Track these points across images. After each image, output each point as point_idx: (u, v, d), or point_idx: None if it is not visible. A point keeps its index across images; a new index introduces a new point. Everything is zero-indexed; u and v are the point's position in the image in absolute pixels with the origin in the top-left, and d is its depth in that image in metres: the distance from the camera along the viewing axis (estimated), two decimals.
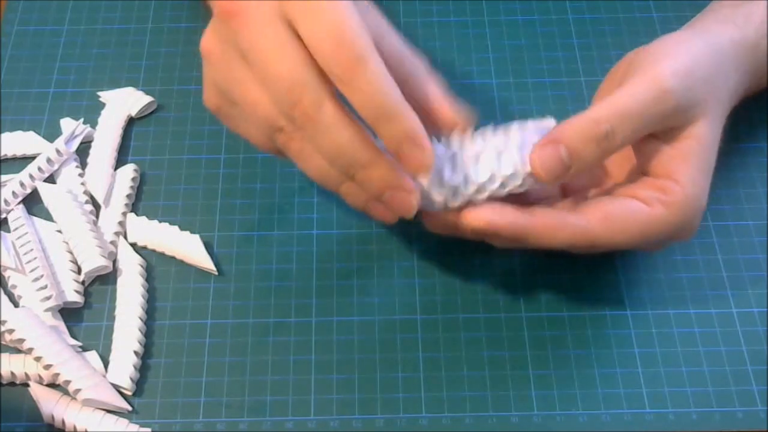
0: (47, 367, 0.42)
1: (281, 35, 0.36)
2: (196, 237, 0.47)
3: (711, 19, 0.45)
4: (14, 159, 0.50)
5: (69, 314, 0.45)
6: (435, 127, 0.40)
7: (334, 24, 0.34)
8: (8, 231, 0.47)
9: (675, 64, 0.40)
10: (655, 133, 0.41)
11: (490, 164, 0.40)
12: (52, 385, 0.43)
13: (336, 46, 0.34)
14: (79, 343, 0.44)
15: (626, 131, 0.39)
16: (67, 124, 0.51)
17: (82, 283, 0.46)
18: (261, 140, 0.40)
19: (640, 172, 0.42)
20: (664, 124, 0.40)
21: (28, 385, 0.43)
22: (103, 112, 0.52)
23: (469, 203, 0.40)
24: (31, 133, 0.51)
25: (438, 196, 0.40)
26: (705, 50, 0.42)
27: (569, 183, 0.44)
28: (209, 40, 0.39)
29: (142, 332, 0.44)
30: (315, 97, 0.36)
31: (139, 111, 0.52)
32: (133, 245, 0.47)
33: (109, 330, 0.45)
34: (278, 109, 0.37)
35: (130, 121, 0.52)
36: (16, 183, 0.48)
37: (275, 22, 0.36)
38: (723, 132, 0.42)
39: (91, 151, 0.50)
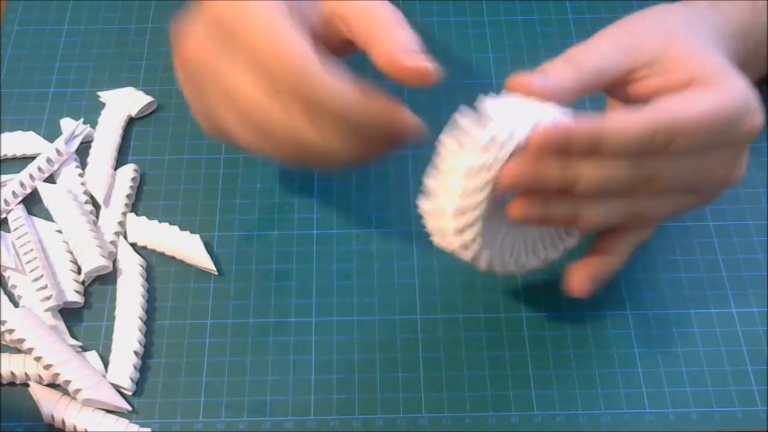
0: (47, 367, 0.42)
1: (236, 74, 0.39)
2: (196, 237, 0.47)
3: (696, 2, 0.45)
4: (14, 159, 0.50)
5: (69, 314, 0.45)
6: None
7: (270, 53, 0.38)
8: (8, 231, 0.47)
9: (630, 16, 0.42)
10: (641, 76, 0.40)
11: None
12: (52, 385, 0.43)
13: (286, 83, 0.38)
14: (79, 343, 0.44)
15: (591, 53, 0.40)
16: (67, 124, 0.51)
17: (82, 283, 0.46)
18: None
19: None
20: (633, 56, 0.40)
21: (28, 385, 0.43)
22: (103, 112, 0.52)
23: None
24: (31, 133, 0.51)
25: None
26: (651, 12, 0.42)
27: None
28: (180, 74, 0.43)
29: (142, 332, 0.44)
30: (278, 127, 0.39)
31: (139, 111, 0.52)
32: (133, 245, 0.47)
33: (109, 330, 0.45)
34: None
35: (130, 121, 0.52)
36: (16, 183, 0.48)
37: (230, 65, 0.39)
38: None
39: (91, 151, 0.50)
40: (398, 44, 0.39)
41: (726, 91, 0.39)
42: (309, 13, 0.41)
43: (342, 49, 0.42)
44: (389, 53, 0.39)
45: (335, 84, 0.37)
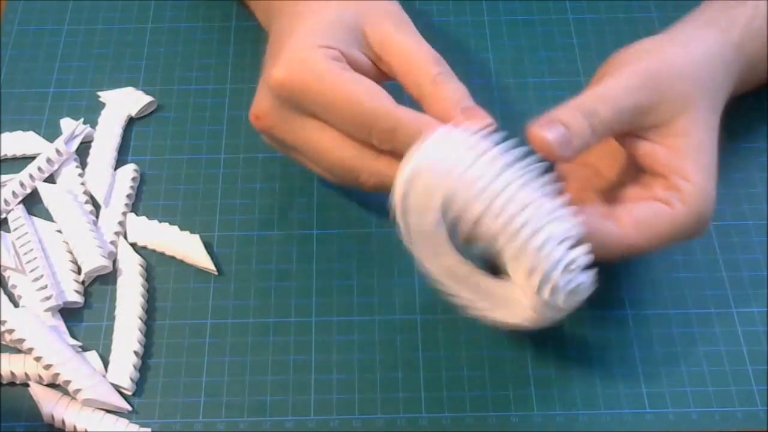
0: (47, 367, 0.42)
1: (316, 130, 0.42)
2: (196, 237, 0.47)
3: (695, 21, 0.46)
4: (14, 159, 0.50)
5: (69, 314, 0.45)
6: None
7: (352, 114, 0.40)
8: (8, 231, 0.47)
9: (650, 61, 0.42)
10: (643, 132, 0.41)
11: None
12: (52, 385, 0.43)
13: (364, 129, 0.40)
14: (79, 343, 0.44)
15: (608, 112, 0.40)
16: (67, 124, 0.51)
17: (82, 283, 0.46)
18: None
19: (638, 172, 0.43)
20: (644, 117, 0.41)
21: (28, 385, 0.43)
22: (103, 112, 0.52)
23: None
24: (31, 133, 0.51)
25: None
26: (686, 51, 0.43)
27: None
28: (263, 134, 0.45)
29: (142, 332, 0.44)
30: (364, 171, 0.42)
31: (139, 111, 0.52)
32: (133, 245, 0.47)
33: (109, 330, 0.45)
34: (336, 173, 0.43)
35: (130, 121, 0.52)
36: (16, 183, 0.48)
37: (305, 123, 0.42)
38: (722, 129, 0.42)
39: (91, 151, 0.50)
40: (451, 102, 0.40)
41: (690, 208, 0.40)
42: (353, 54, 0.42)
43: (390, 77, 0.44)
44: (445, 112, 0.40)
45: (412, 118, 0.40)
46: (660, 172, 0.41)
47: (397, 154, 0.39)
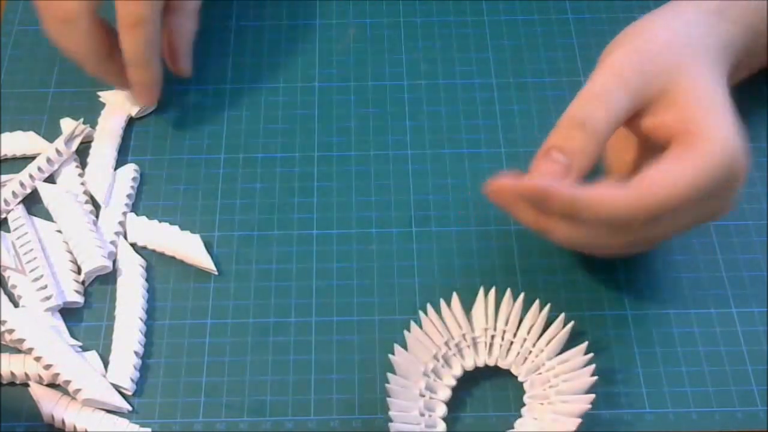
0: (47, 367, 0.42)
1: None
2: (196, 237, 0.47)
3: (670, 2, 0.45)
4: (14, 159, 0.50)
5: (69, 314, 0.45)
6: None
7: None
8: (8, 231, 0.47)
9: (627, 46, 0.42)
10: (645, 112, 0.41)
11: None
12: (52, 385, 0.43)
13: (127, 5, 0.46)
14: (79, 343, 0.44)
15: (599, 111, 0.39)
16: (67, 124, 0.51)
17: (82, 283, 0.46)
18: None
19: (655, 151, 0.41)
20: (638, 100, 0.40)
21: (28, 385, 0.43)
22: (103, 112, 0.52)
23: None
24: (31, 133, 0.51)
25: None
26: (660, 21, 0.43)
27: None
28: None
29: (142, 332, 0.44)
30: (77, 9, 0.46)
31: (139, 111, 0.52)
32: (133, 245, 0.47)
33: (109, 330, 0.45)
34: None
35: (130, 121, 0.52)
36: (15, 183, 0.48)
37: None
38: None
39: (91, 151, 0.50)
40: None
41: (708, 155, 0.38)
42: None
43: None
44: None
45: (152, 50, 0.47)
46: (674, 137, 0.40)
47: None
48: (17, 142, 0.50)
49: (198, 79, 0.53)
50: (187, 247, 0.47)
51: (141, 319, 0.45)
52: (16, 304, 0.45)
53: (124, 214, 0.48)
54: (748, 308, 0.45)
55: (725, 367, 0.43)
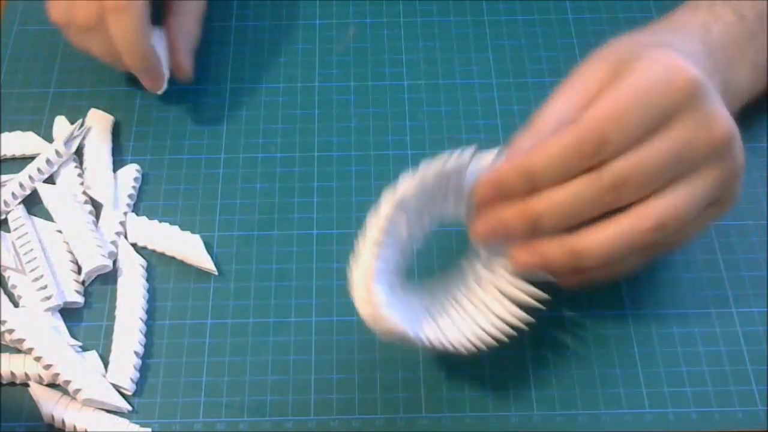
0: (47, 367, 0.42)
1: None
2: (196, 237, 0.47)
3: (659, 26, 0.44)
4: (14, 159, 0.50)
5: (69, 314, 0.45)
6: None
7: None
8: (8, 231, 0.47)
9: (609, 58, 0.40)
10: None
11: None
12: (52, 385, 0.43)
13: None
14: (79, 343, 0.44)
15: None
16: (61, 123, 0.51)
17: (82, 283, 0.46)
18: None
19: None
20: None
21: (28, 385, 0.43)
22: (90, 113, 0.51)
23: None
24: (31, 133, 0.51)
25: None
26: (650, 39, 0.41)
27: None
28: None
29: (142, 332, 0.44)
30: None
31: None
32: (134, 245, 0.47)
33: (109, 330, 0.45)
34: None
35: (131, 121, 0.52)
36: (15, 184, 0.48)
37: None
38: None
39: (86, 155, 0.50)
40: None
41: (644, 67, 0.36)
42: None
43: None
44: None
45: (144, 36, 0.48)
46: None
47: None
48: (17, 142, 0.50)
49: (198, 79, 0.53)
50: (187, 247, 0.47)
51: (141, 319, 0.45)
52: (16, 304, 0.45)
53: (125, 214, 0.48)
54: (748, 308, 0.45)
55: (725, 367, 0.43)
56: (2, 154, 0.50)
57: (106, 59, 0.50)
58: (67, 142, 0.49)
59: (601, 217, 0.38)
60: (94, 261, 0.45)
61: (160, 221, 0.48)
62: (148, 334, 0.45)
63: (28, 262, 0.45)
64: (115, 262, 0.47)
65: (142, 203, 0.49)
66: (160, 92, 0.51)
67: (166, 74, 0.51)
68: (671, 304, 0.45)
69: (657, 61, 0.37)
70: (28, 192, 0.49)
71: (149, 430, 0.42)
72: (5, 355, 0.43)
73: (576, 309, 0.45)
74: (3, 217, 0.48)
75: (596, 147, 0.36)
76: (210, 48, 0.55)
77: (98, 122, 0.51)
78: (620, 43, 0.41)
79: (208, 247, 0.47)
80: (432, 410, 0.42)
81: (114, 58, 0.49)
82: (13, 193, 0.48)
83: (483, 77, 0.54)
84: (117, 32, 0.47)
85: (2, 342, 0.44)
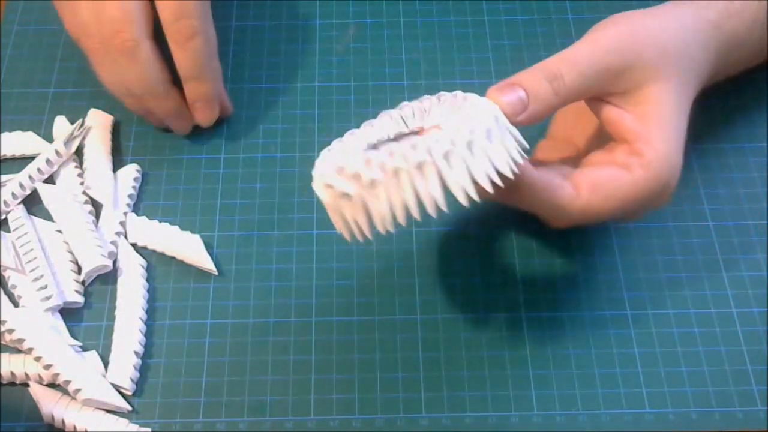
0: (47, 367, 0.42)
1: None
2: (196, 237, 0.47)
3: (675, 2, 0.46)
4: (14, 159, 0.50)
5: (69, 314, 0.45)
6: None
7: (179, 9, 0.46)
8: (8, 231, 0.47)
9: (620, 27, 0.42)
10: (612, 98, 0.41)
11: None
12: (52, 385, 0.43)
13: (178, 19, 0.46)
14: (79, 343, 0.44)
15: (572, 74, 0.40)
16: (61, 123, 0.51)
17: (83, 283, 0.46)
18: (76, 38, 0.48)
19: (609, 140, 0.43)
20: (611, 82, 0.41)
21: (28, 385, 0.43)
22: (90, 113, 0.51)
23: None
24: (31, 133, 0.51)
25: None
26: (659, 22, 0.43)
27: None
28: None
29: (142, 332, 0.44)
30: (136, 37, 0.45)
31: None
32: (134, 245, 0.47)
33: (109, 330, 0.45)
34: (98, 30, 0.46)
35: (130, 122, 0.52)
36: (15, 184, 0.48)
37: None
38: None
39: (86, 156, 0.50)
40: None
41: (654, 173, 0.40)
42: None
43: None
44: None
45: (212, 61, 0.48)
46: (624, 138, 0.41)
47: None
48: (17, 142, 0.50)
49: None
50: (187, 247, 0.47)
51: (141, 319, 0.45)
52: (16, 304, 0.45)
53: (125, 214, 0.48)
54: (748, 308, 0.45)
55: (725, 367, 0.43)
56: (2, 154, 0.50)
57: (145, 92, 0.48)
58: (67, 142, 0.49)
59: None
60: (94, 261, 0.45)
61: (160, 221, 0.48)
62: (148, 334, 0.45)
63: (28, 262, 0.45)
64: (115, 262, 0.47)
65: (142, 203, 0.49)
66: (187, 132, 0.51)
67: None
68: (671, 303, 0.45)
69: (668, 170, 0.41)
70: (28, 192, 0.49)
71: (149, 430, 0.42)
72: (5, 355, 0.43)
73: (576, 309, 0.45)
74: (3, 217, 0.48)
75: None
76: None
77: (98, 122, 0.51)
78: (641, 28, 0.42)
79: (208, 247, 0.47)
80: (432, 410, 0.42)
81: (158, 91, 0.48)
82: (13, 193, 0.48)
83: (483, 77, 0.54)
84: (186, 61, 0.47)
85: (2, 342, 0.44)
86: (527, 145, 0.39)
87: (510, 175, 0.37)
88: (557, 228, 0.43)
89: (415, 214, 0.36)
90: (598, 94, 0.41)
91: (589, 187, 0.40)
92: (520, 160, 0.38)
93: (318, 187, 0.38)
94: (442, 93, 0.41)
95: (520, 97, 0.40)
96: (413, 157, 0.36)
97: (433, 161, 0.36)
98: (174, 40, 0.46)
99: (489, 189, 0.37)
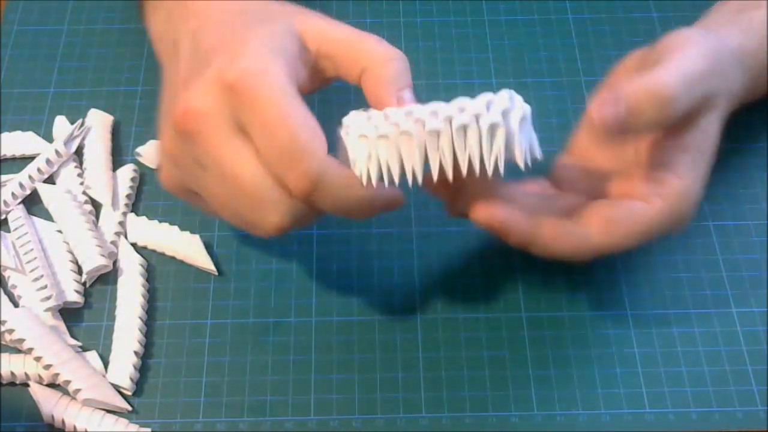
0: (47, 367, 0.42)
1: (239, 149, 0.37)
2: (196, 237, 0.47)
3: (716, 22, 0.45)
4: (14, 159, 0.50)
5: (69, 314, 0.45)
6: None
7: (285, 144, 0.36)
8: (8, 231, 0.47)
9: (702, 50, 0.40)
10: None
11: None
12: (52, 385, 0.43)
13: (288, 164, 0.36)
14: (79, 343, 0.44)
15: (688, 97, 0.39)
16: (61, 123, 0.51)
17: (83, 283, 0.46)
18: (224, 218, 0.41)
19: (629, 161, 0.42)
20: (700, 101, 0.40)
21: (28, 385, 0.43)
22: (90, 113, 0.51)
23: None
24: (31, 133, 0.51)
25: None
26: (716, 48, 0.42)
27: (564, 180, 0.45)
28: (170, 143, 0.39)
29: (142, 332, 0.44)
30: (271, 206, 0.37)
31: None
32: (134, 245, 0.47)
33: (109, 330, 0.45)
34: (237, 205, 0.38)
35: (131, 122, 0.52)
36: (15, 184, 0.48)
37: (231, 138, 0.37)
38: (722, 132, 0.42)
39: (85, 155, 0.50)
40: (390, 85, 0.39)
41: (676, 207, 0.40)
42: (299, 70, 0.40)
43: (321, 85, 0.42)
44: (381, 97, 0.39)
45: (347, 181, 0.37)
46: (653, 163, 0.41)
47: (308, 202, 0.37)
48: (17, 142, 0.50)
49: None
50: (187, 247, 0.47)
51: (141, 319, 0.45)
52: (16, 304, 0.45)
53: (124, 214, 0.48)
54: (748, 308, 0.45)
55: (725, 367, 0.43)
56: (2, 154, 0.50)
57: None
58: (67, 142, 0.49)
59: None
60: (94, 261, 0.45)
61: (160, 221, 0.48)
62: (148, 334, 0.45)
63: (28, 262, 0.45)
64: (115, 262, 0.47)
65: (142, 203, 0.49)
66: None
67: None
68: (671, 304, 0.45)
69: (687, 207, 0.41)
70: (28, 192, 0.49)
71: (149, 430, 0.42)
72: (5, 355, 0.43)
73: (576, 309, 0.45)
74: (3, 217, 0.48)
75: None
76: None
77: (98, 122, 0.51)
78: (710, 51, 0.41)
79: (208, 247, 0.47)
80: (432, 410, 0.42)
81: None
82: (13, 193, 0.48)
83: (483, 77, 0.54)
84: (344, 211, 0.38)
85: (2, 342, 0.44)
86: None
87: (539, 157, 0.38)
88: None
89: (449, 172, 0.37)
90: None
91: (601, 225, 0.40)
92: (539, 156, 0.39)
93: (354, 130, 0.38)
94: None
95: (618, 113, 0.38)
96: (458, 119, 0.37)
97: (477, 127, 0.37)
98: (290, 187, 0.37)
99: (521, 165, 0.37)
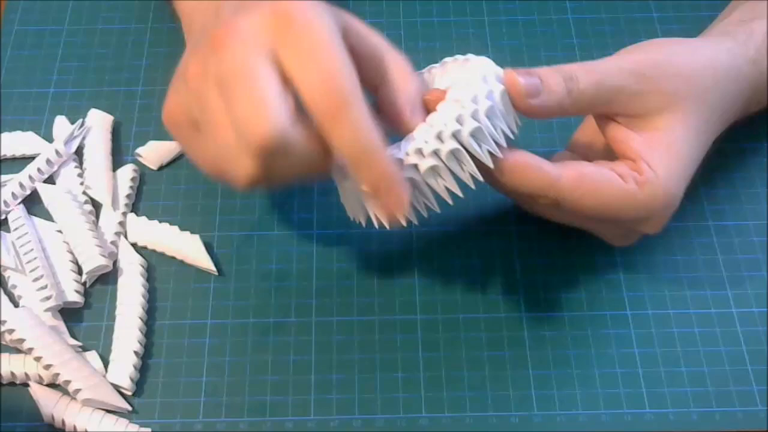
0: (47, 367, 0.42)
1: (264, 76, 0.35)
2: (196, 237, 0.47)
3: (713, 33, 0.46)
4: (14, 159, 0.50)
5: (69, 314, 0.45)
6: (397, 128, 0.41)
7: (327, 73, 0.35)
8: (8, 231, 0.47)
9: (648, 54, 0.42)
10: (622, 119, 0.41)
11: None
12: (52, 385, 0.43)
13: (326, 95, 0.35)
14: (79, 343, 0.44)
15: (588, 81, 0.40)
16: (61, 123, 0.51)
17: (83, 283, 0.46)
18: (208, 167, 0.40)
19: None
20: (624, 103, 0.41)
21: (28, 385, 0.43)
22: (90, 114, 0.51)
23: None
24: (31, 133, 0.51)
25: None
26: (691, 54, 0.42)
27: None
28: (194, 65, 0.38)
29: (142, 332, 0.44)
30: (282, 155, 0.36)
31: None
32: (134, 245, 0.47)
33: (109, 330, 0.45)
34: (241, 146, 0.36)
35: (131, 122, 0.52)
36: (15, 184, 0.48)
37: (261, 60, 0.36)
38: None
39: (86, 156, 0.50)
40: (409, 104, 0.40)
41: (648, 200, 0.40)
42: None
43: None
44: (400, 112, 0.40)
45: (375, 134, 0.36)
46: (629, 157, 0.41)
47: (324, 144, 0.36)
48: (17, 142, 0.50)
49: None
50: (187, 247, 0.47)
51: (141, 319, 0.45)
52: (16, 304, 0.45)
53: (124, 214, 0.48)
54: (748, 308, 0.45)
55: (725, 367, 0.43)
56: (2, 154, 0.50)
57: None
58: (67, 142, 0.49)
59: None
60: (94, 261, 0.45)
61: (160, 221, 0.48)
62: (148, 334, 0.45)
63: (28, 262, 0.45)
64: (115, 262, 0.47)
65: (142, 203, 0.49)
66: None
67: None
68: (671, 304, 0.45)
69: (663, 200, 0.41)
70: (28, 192, 0.49)
71: (149, 430, 0.42)
72: (5, 355, 0.43)
73: (576, 309, 0.45)
74: (3, 217, 0.48)
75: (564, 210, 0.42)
76: None
77: (98, 122, 0.51)
78: (659, 51, 0.43)
79: (208, 247, 0.47)
80: (432, 410, 0.42)
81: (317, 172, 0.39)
82: (13, 193, 0.48)
83: None
84: (343, 143, 0.36)
85: (2, 342, 0.44)
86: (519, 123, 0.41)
87: (511, 136, 0.40)
88: (541, 216, 0.44)
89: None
90: (609, 111, 0.41)
91: (574, 177, 0.40)
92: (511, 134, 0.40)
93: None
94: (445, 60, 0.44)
95: (535, 83, 0.40)
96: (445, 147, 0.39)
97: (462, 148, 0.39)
98: (321, 120, 0.36)
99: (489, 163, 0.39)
